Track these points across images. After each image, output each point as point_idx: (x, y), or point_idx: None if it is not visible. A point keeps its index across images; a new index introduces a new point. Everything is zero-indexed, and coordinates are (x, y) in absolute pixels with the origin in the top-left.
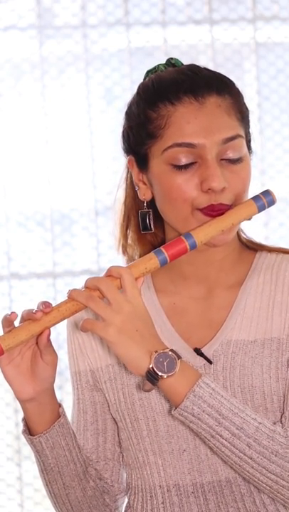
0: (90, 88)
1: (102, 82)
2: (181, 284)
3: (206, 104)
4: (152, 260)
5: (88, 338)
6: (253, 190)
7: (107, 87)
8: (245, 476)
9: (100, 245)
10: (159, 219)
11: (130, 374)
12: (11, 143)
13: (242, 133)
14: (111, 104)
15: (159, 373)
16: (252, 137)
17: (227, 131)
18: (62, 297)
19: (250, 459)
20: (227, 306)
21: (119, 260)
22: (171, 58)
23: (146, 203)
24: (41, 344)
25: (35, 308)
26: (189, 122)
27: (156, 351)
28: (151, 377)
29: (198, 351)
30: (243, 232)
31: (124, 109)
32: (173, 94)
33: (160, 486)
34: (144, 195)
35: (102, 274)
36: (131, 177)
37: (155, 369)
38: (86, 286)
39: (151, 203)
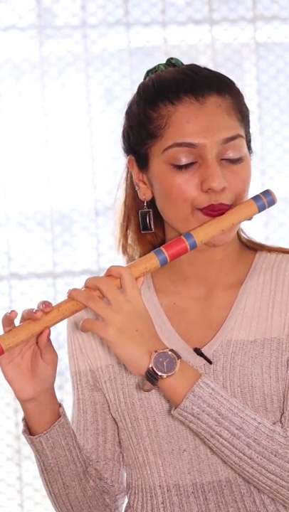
0: (90, 88)
1: (102, 82)
2: (181, 284)
3: (207, 104)
4: (152, 260)
5: (88, 338)
6: (253, 190)
7: (107, 87)
8: (244, 476)
9: (100, 245)
10: (159, 219)
11: (130, 374)
12: (11, 143)
13: (242, 133)
14: (111, 104)
15: (159, 373)
16: (252, 137)
17: (227, 131)
18: (62, 297)
19: (250, 458)
20: (227, 306)
21: (119, 260)
22: (172, 58)
23: (147, 203)
24: (41, 344)
25: (36, 308)
26: (190, 122)
27: (155, 351)
28: (151, 377)
29: (198, 351)
30: (243, 232)
31: (124, 109)
32: (173, 93)
33: (160, 486)
34: (144, 194)
35: (102, 274)
36: (131, 177)
37: (155, 369)
38: (86, 286)
39: (152, 203)
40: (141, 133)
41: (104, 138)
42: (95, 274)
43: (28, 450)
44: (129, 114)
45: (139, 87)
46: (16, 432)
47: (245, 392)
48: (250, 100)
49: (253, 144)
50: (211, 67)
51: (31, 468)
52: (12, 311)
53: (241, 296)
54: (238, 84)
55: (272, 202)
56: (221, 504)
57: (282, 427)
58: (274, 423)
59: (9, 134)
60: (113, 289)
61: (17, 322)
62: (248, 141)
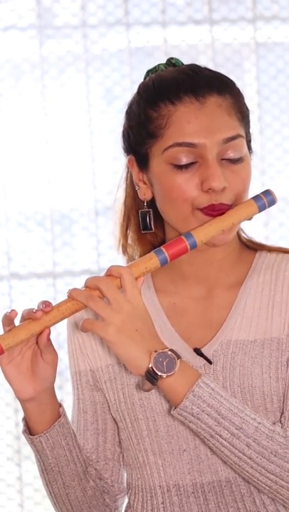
0: (90, 88)
1: (102, 82)
2: (181, 284)
3: (207, 104)
4: (152, 260)
5: (88, 338)
6: (253, 190)
7: (107, 87)
8: (244, 476)
9: (100, 245)
10: (159, 219)
11: (130, 374)
12: (11, 143)
13: (242, 133)
14: (111, 104)
15: (159, 373)
16: (252, 137)
17: (228, 131)
18: (62, 297)
19: (250, 458)
20: (227, 306)
21: (119, 260)
22: (172, 58)
23: (147, 203)
24: (41, 343)
25: (36, 308)
26: (190, 122)
27: (155, 351)
28: (151, 377)
29: (198, 351)
30: (243, 232)
31: (125, 108)
32: (174, 93)
33: (160, 486)
34: (145, 194)
35: (102, 274)
36: (131, 177)
37: (154, 369)
38: (86, 286)
39: (152, 203)
40: (141, 133)
41: (104, 138)
42: (95, 274)
43: (28, 450)
44: (130, 113)
45: (140, 86)
46: (16, 431)
47: (245, 392)
48: (250, 100)
49: (253, 144)
50: (211, 67)
51: (31, 468)
52: (12, 310)
53: (241, 296)
54: (238, 84)
55: (272, 202)
56: (221, 504)
57: (282, 427)
58: (274, 423)
59: (9, 134)
60: (113, 289)
61: (17, 322)
62: (248, 141)
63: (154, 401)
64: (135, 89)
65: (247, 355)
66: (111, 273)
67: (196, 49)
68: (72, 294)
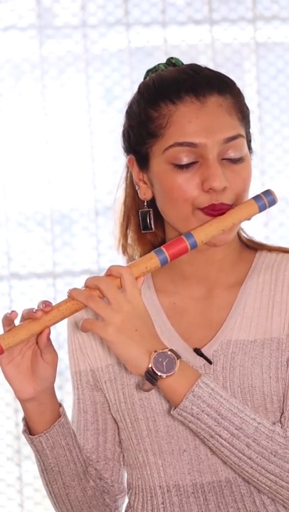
0: (90, 88)
1: (102, 82)
2: (181, 284)
3: (208, 104)
4: (153, 260)
5: (88, 338)
6: (254, 190)
7: (107, 87)
8: (244, 476)
9: (100, 245)
10: (159, 218)
11: (130, 374)
12: (11, 143)
13: (243, 133)
14: (111, 104)
15: (158, 373)
16: (252, 137)
17: (228, 130)
18: (62, 297)
19: (249, 459)
20: (227, 306)
21: (119, 260)
22: (172, 58)
23: (147, 203)
24: (41, 343)
25: (36, 308)
26: (191, 122)
27: (155, 351)
28: (151, 377)
29: (198, 351)
30: (243, 232)
31: (125, 108)
32: (174, 93)
33: (160, 486)
34: (145, 194)
35: (102, 274)
36: (131, 176)
37: (154, 369)
38: (86, 286)
39: (152, 203)
40: (141, 132)
41: (104, 138)
42: (95, 274)
43: (28, 450)
44: (130, 113)
45: (140, 86)
46: (16, 431)
47: (245, 392)
48: (250, 100)
49: (253, 144)
50: (211, 67)
51: (31, 468)
52: (12, 311)
53: (241, 296)
54: (238, 84)
55: (273, 202)
56: (221, 504)
57: (281, 427)
58: (274, 423)
59: (9, 134)
60: (113, 289)
61: (17, 322)
62: (249, 141)
63: (154, 401)
64: (135, 89)
65: (247, 355)
66: (111, 273)
67: (196, 49)
68: (72, 294)
